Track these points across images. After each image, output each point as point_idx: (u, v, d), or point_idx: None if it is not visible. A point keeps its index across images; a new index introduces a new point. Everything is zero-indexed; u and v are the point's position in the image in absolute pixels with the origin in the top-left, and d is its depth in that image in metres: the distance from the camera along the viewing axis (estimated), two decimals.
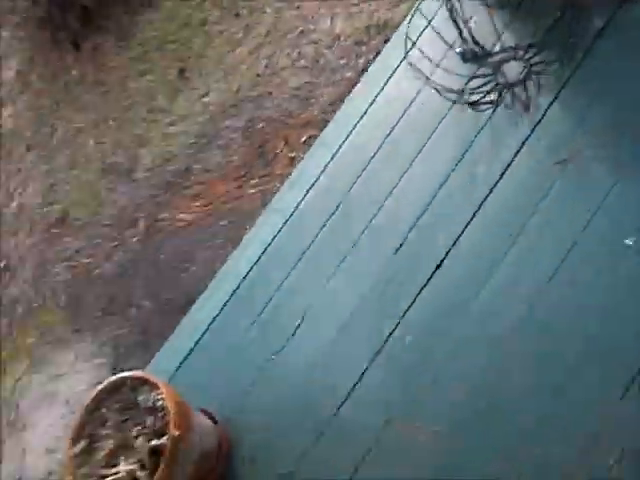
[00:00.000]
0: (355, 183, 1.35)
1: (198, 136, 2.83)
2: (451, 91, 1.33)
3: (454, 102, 1.32)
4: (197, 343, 1.36)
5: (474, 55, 1.36)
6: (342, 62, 2.58)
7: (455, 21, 1.38)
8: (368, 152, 1.37)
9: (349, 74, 2.52)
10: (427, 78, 1.36)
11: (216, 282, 1.46)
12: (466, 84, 1.32)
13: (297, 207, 1.40)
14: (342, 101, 2.41)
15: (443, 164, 1.27)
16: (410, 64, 1.37)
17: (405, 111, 1.37)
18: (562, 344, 1.02)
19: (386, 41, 2.32)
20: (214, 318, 1.38)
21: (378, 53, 2.45)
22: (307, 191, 1.41)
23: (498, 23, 1.35)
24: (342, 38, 2.62)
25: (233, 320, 1.37)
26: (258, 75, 2.78)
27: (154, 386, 1.12)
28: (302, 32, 2.75)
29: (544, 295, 1.07)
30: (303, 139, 2.50)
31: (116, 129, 3.08)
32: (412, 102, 1.37)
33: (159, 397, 1.11)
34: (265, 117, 2.69)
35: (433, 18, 1.42)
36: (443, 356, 1.12)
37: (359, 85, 1.53)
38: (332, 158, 1.41)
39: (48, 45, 3.38)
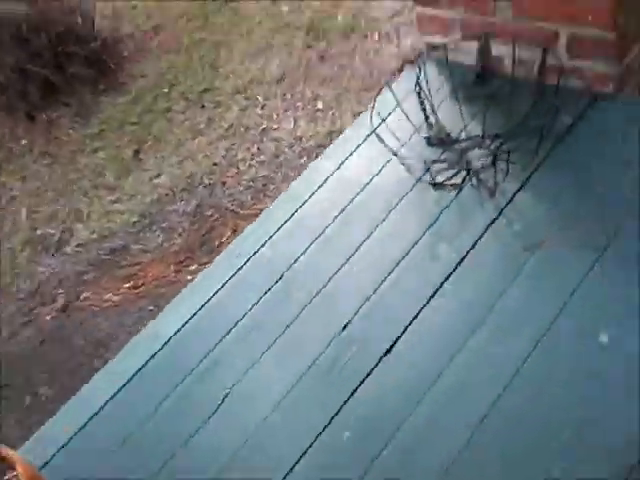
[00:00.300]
0: (303, 254, 1.21)
1: (142, 216, 2.67)
2: (416, 170, 1.26)
3: (419, 180, 1.25)
4: (83, 428, 1.10)
5: (440, 141, 1.32)
6: (301, 161, 2.55)
7: (423, 107, 1.36)
8: (323, 222, 1.25)
9: None
10: (394, 154, 1.29)
11: (122, 354, 1.22)
12: (431, 165, 1.26)
13: (234, 275, 1.24)
14: None
15: (403, 241, 1.16)
16: (377, 136, 1.31)
17: (367, 184, 1.28)
18: (530, 441, 0.85)
19: None
20: (107, 401, 1.12)
21: None
22: (247, 260, 1.25)
23: (466, 113, 1.33)
24: (304, 139, 2.62)
25: (134, 402, 1.13)
26: (215, 164, 2.72)
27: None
28: (264, 129, 2.76)
29: (507, 390, 0.91)
30: None
31: (54, 201, 2.90)
32: (375, 175, 1.29)
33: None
34: (215, 205, 2.58)
35: (402, 100, 1.39)
36: (384, 459, 0.92)
37: (322, 155, 1.45)
38: (279, 228, 1.28)
39: (2, 111, 3.27)
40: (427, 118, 1.35)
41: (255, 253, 1.27)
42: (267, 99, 2.88)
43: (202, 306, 1.22)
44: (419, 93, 1.39)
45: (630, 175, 1.10)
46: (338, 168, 1.34)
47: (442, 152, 1.30)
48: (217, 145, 2.79)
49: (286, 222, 1.28)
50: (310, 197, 1.31)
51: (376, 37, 2.89)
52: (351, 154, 1.35)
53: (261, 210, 2.41)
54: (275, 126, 2.75)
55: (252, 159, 2.66)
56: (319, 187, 1.32)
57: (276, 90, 2.90)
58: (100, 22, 3.58)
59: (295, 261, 1.21)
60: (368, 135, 1.35)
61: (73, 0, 3.41)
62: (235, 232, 2.43)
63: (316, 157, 2.51)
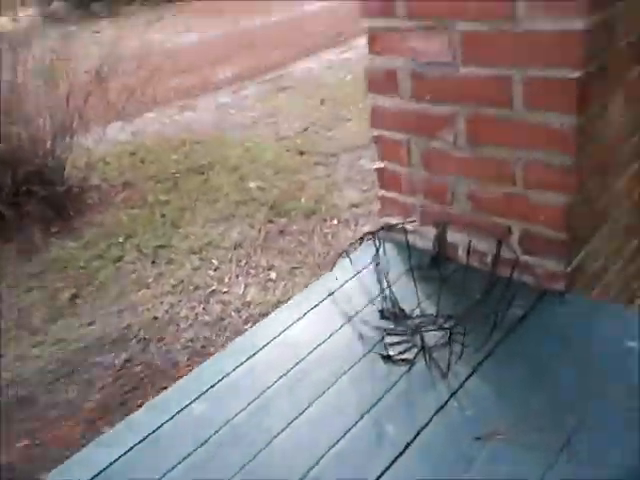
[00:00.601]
0: (237, 415, 1.08)
1: (61, 365, 2.45)
2: (368, 340, 1.21)
3: (369, 351, 1.19)
4: None
5: (394, 315, 1.30)
6: (246, 327, 2.47)
7: (379, 279, 1.36)
8: (263, 383, 1.14)
9: None
10: (348, 320, 1.25)
11: None
12: (384, 336, 1.21)
13: (155, 430, 1.08)
14: None
15: (348, 415, 1.06)
16: (331, 302, 1.27)
17: (315, 349, 1.21)
18: None
19: None
20: None
21: None
22: (177, 413, 1.11)
23: (421, 292, 1.33)
24: (252, 306, 2.58)
25: None
26: (155, 318, 2.60)
27: None
28: (214, 291, 2.71)
29: None
30: None
31: None
32: (324, 342, 1.22)
33: None
34: (146, 361, 2.40)
35: (359, 271, 1.39)
36: None
37: (270, 316, 1.38)
38: (213, 385, 1.16)
39: None
40: (382, 291, 1.35)
41: (183, 409, 1.13)
42: (222, 263, 2.88)
43: (109, 465, 1.04)
44: (377, 265, 1.40)
45: (580, 373, 1.08)
46: (285, 330, 1.28)
47: (395, 326, 1.26)
48: (162, 300, 2.70)
49: (222, 379, 1.17)
50: (252, 356, 1.22)
51: (335, 222, 3.04)
52: (301, 317, 1.29)
53: None
54: (225, 289, 2.71)
55: (195, 318, 2.56)
56: (263, 347, 1.24)
57: (232, 256, 2.93)
58: (71, 170, 3.68)
59: (226, 423, 1.08)
60: (321, 301, 1.32)
61: (49, 145, 3.53)
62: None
63: None
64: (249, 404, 1.11)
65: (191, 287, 2.75)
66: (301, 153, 3.91)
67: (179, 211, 3.43)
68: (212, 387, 1.19)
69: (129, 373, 2.36)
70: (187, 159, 4.19)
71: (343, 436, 1.03)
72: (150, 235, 3.21)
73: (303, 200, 3.27)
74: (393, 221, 1.49)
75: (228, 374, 1.19)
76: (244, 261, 2.87)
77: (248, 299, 2.61)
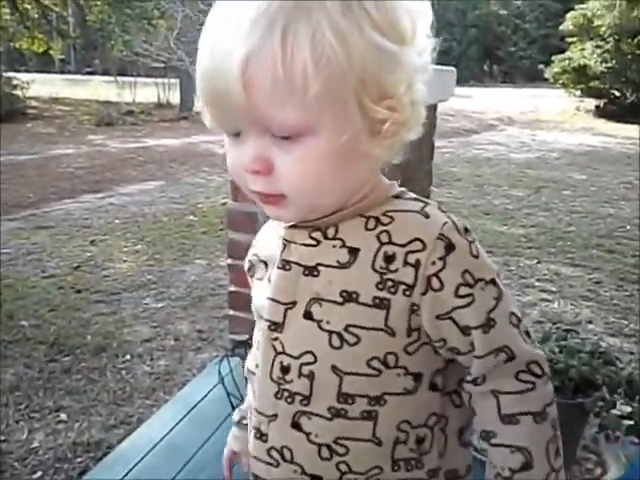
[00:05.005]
0: None
1: None
2: None
3: None
4: None
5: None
6: (35, 477, 2.20)
7: (229, 397, 1.49)
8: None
9: None
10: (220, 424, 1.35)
11: None
12: None
13: None
14: None
15: None
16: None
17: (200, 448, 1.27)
18: None
19: (98, 459, 2.17)
20: None
21: (83, 472, 2.21)
22: None
23: None
24: (40, 452, 2.32)
25: None
26: None
27: None
28: None
29: None
30: None
31: None
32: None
33: None
34: None
35: (216, 385, 1.51)
36: None
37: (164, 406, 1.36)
38: None
39: None
40: (233, 407, 1.49)
41: None
42: None
43: None
44: (223, 382, 1.54)
45: None
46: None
47: None
48: None
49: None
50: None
51: (128, 357, 2.98)
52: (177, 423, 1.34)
53: None
54: (3, 437, 2.38)
55: None
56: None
57: (8, 399, 2.61)
58: None
59: None
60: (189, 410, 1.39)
61: None
62: None
63: (54, 472, 2.22)
64: None
65: None
66: (78, 291, 3.77)
67: None
68: None
69: None
70: None
71: None
72: None
73: (89, 337, 3.14)
74: (241, 338, 1.69)
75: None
76: (24, 404, 2.59)
77: (35, 444, 2.34)
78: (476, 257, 0.69)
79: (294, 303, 0.71)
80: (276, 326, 0.73)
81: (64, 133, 11.45)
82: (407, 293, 0.67)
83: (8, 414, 2.52)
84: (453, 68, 1.91)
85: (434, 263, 0.67)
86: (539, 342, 1.97)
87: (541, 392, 0.71)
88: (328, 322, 0.69)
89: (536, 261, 4.57)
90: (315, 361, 0.70)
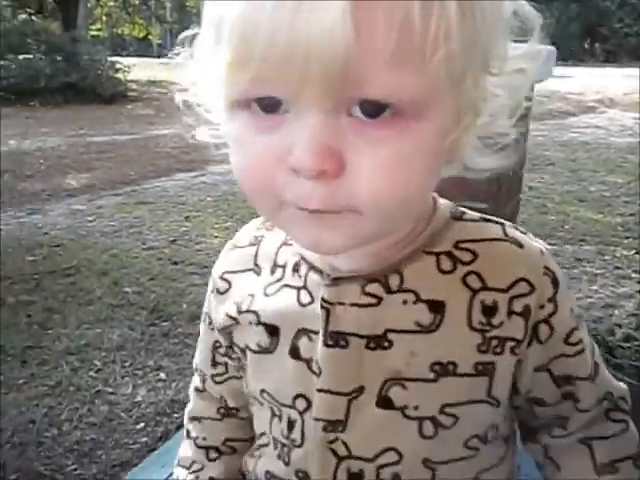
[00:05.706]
0: None
1: None
2: None
3: None
4: None
5: None
6: (138, 427, 2.43)
7: None
8: None
9: (144, 439, 2.36)
10: None
11: None
12: None
13: None
14: (127, 463, 2.19)
15: None
16: None
17: None
18: None
19: None
20: None
21: (180, 426, 2.41)
22: None
23: None
24: (143, 405, 2.55)
25: None
26: (32, 422, 2.41)
27: None
28: (98, 392, 2.62)
29: None
30: None
31: None
32: None
33: None
34: (24, 468, 2.20)
35: None
36: None
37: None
38: None
39: None
40: None
41: None
42: (104, 364, 2.81)
43: None
44: None
45: None
46: None
47: None
48: (38, 403, 2.53)
49: None
50: None
51: None
52: None
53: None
54: (110, 389, 2.64)
55: (80, 420, 2.44)
56: None
57: (115, 357, 2.87)
58: None
59: None
60: None
61: None
62: None
63: (155, 425, 2.43)
64: None
65: (72, 388, 2.62)
66: (175, 263, 4.04)
67: (46, 312, 3.27)
68: None
69: None
70: (47, 261, 4.03)
71: None
72: (15, 336, 3.00)
73: (185, 306, 3.37)
74: None
75: None
76: (129, 362, 2.84)
77: (138, 399, 2.57)
78: (569, 288, 0.55)
79: (360, 390, 0.53)
80: (335, 425, 0.54)
81: (161, 114, 12.04)
82: (516, 351, 0.52)
83: (115, 370, 2.78)
84: (553, 47, 1.87)
85: (542, 307, 0.52)
86: (634, 331, 1.91)
87: (633, 430, 0.60)
88: (416, 407, 0.53)
89: (634, 251, 4.34)
90: (400, 459, 0.54)
